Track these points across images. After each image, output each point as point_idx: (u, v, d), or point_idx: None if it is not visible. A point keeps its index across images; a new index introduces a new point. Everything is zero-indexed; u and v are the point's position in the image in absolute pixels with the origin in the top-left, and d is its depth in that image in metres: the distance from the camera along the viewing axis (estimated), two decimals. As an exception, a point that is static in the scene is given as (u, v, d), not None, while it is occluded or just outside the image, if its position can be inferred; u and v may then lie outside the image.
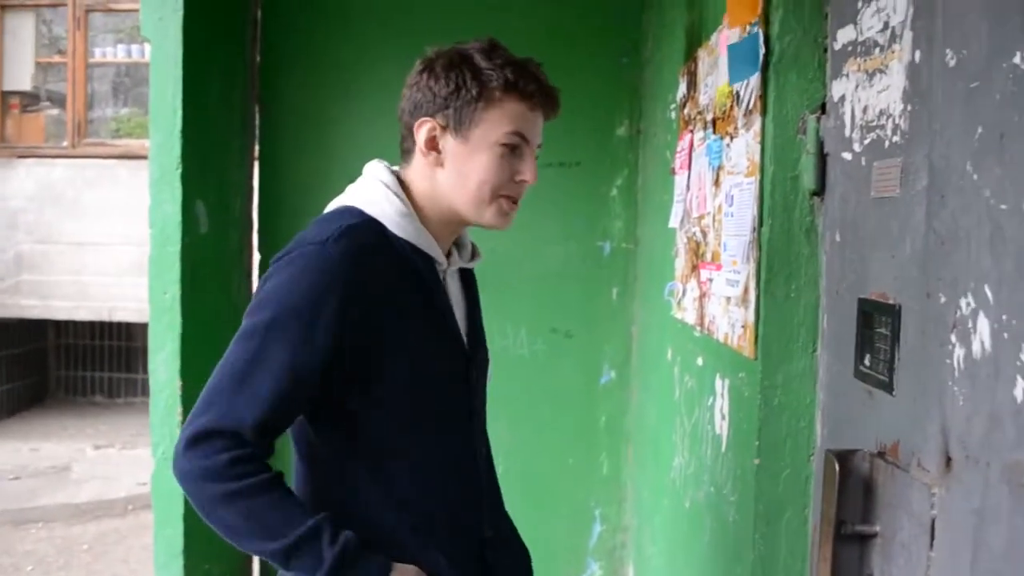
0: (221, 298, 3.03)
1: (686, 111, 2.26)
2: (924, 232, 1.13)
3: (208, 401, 1.24)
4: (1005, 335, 0.93)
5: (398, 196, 1.34)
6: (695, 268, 2.08)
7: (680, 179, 2.24)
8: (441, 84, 1.31)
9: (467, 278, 1.54)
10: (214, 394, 1.24)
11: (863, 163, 1.34)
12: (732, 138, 1.75)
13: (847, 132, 1.40)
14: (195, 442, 1.21)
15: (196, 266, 2.79)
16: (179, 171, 2.70)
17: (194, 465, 1.21)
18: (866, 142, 1.33)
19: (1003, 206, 0.94)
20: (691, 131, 2.16)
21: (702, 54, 2.09)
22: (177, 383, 2.74)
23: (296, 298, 1.24)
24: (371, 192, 1.35)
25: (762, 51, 1.54)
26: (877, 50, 1.30)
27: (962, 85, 1.04)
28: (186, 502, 2.71)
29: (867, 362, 1.30)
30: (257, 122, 3.28)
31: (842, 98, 1.43)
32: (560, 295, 3.25)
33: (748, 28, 1.62)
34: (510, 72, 1.31)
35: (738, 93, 1.70)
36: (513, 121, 1.32)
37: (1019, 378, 0.90)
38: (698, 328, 2.06)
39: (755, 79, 1.59)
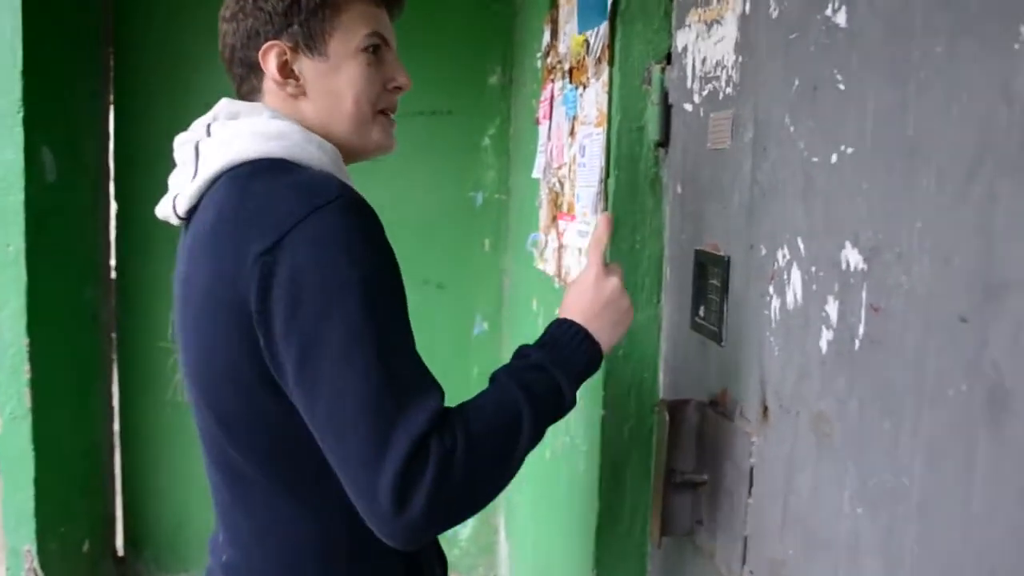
0: (73, 249, 2.88)
1: (548, 60, 2.24)
2: (749, 184, 1.13)
3: (368, 442, 0.91)
4: (814, 287, 0.94)
5: (312, 134, 1.09)
6: (555, 219, 2.07)
7: (543, 129, 2.22)
8: (274, 1, 1.09)
9: None
10: (369, 428, 0.91)
11: (701, 114, 1.34)
12: (585, 88, 1.73)
13: (688, 83, 1.40)
14: (401, 491, 0.90)
15: (42, 217, 2.62)
16: (20, 115, 2.52)
17: (420, 507, 0.91)
18: (704, 93, 1.33)
19: (814, 158, 0.95)
20: (552, 80, 2.13)
21: (562, 2, 2.06)
22: (24, 341, 2.59)
23: (358, 267, 0.94)
24: (285, 136, 1.06)
25: (610, 2, 1.52)
26: (715, 0, 1.29)
27: (782, 36, 1.04)
28: (37, 463, 2.60)
29: (701, 313, 1.31)
30: (112, 63, 3.09)
31: (685, 48, 1.42)
32: (432, 246, 3.20)
33: (597, -25, 1.59)
34: None
35: (589, 42, 1.68)
36: (367, 22, 1.13)
37: (824, 329, 0.92)
38: (557, 279, 2.05)
39: (603, 28, 1.57)
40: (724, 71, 1.24)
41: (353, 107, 1.13)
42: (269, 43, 1.10)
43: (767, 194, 1.08)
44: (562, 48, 2.02)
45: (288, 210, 0.95)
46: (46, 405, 2.64)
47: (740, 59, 1.19)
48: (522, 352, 1.09)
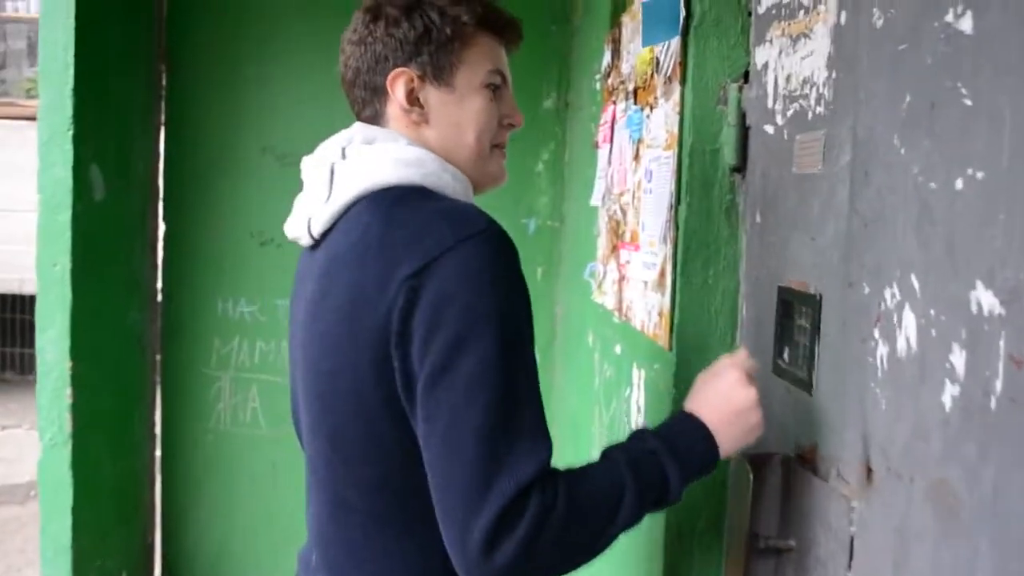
0: (119, 270, 2.82)
1: (610, 81, 2.13)
2: (847, 213, 1.01)
3: (474, 478, 0.91)
4: (933, 332, 0.81)
5: (443, 159, 1.12)
6: (615, 249, 1.96)
7: (602, 153, 2.11)
8: (405, 28, 1.11)
9: None
10: (477, 464, 0.91)
11: (785, 136, 1.21)
12: (652, 109, 1.62)
13: (770, 103, 1.28)
14: (494, 535, 0.90)
15: (89, 236, 2.57)
16: (70, 132, 2.48)
17: (507, 555, 0.90)
18: (789, 114, 1.21)
19: (932, 184, 0.82)
20: (614, 102, 2.02)
21: (626, 19, 1.96)
22: (67, 364, 2.53)
23: (502, 301, 0.94)
24: (421, 164, 1.08)
25: (682, 13, 1.41)
26: (802, 12, 1.17)
27: (890, 48, 0.92)
28: (76, 492, 2.53)
29: (786, 357, 1.18)
30: (164, 81, 3.06)
31: (765, 66, 1.31)
32: (483, 274, 3.10)
33: (668, -12, 1.48)
34: (478, 6, 1.15)
35: (658, 60, 1.56)
36: (491, 59, 1.16)
37: (948, 383, 0.79)
38: (617, 314, 1.93)
39: (675, 44, 1.46)
40: (814, 89, 1.12)
41: (474, 140, 1.15)
42: (399, 70, 1.11)
43: (870, 224, 0.95)
44: (625, 68, 1.91)
45: (438, 238, 0.95)
46: (86, 431, 2.58)
47: (834, 75, 1.06)
48: (640, 435, 1.08)
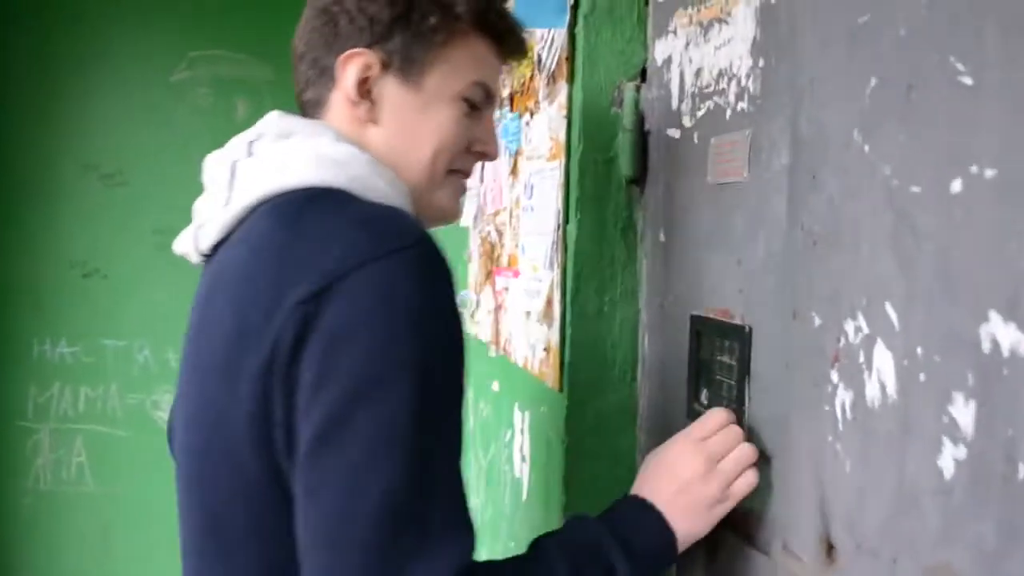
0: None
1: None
2: (785, 228, 0.83)
3: (370, 570, 0.69)
4: (921, 376, 0.63)
5: (379, 163, 0.87)
6: (490, 275, 1.75)
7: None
8: (382, 4, 0.87)
9: None
10: (376, 555, 0.69)
11: (696, 140, 1.04)
12: (532, 114, 1.42)
13: (674, 103, 1.10)
14: None
15: None
16: None
17: None
18: (699, 114, 1.03)
19: (914, 188, 0.65)
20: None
21: (497, 20, 1.76)
22: None
23: (424, 343, 0.72)
24: (347, 163, 0.83)
25: (570, 0, 1.22)
26: (714, -6, 1.00)
27: (843, 22, 0.74)
28: None
29: (704, 399, 1.00)
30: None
31: (667, 61, 1.13)
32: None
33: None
34: (482, 0, 0.92)
35: (540, 57, 1.37)
36: (480, 69, 0.93)
37: (947, 442, 0.61)
38: (493, 347, 1.72)
39: (560, 37, 1.27)
40: (733, 82, 0.95)
41: (429, 158, 0.91)
42: (357, 50, 0.88)
43: (820, 242, 0.77)
44: (498, 73, 1.71)
45: (345, 251, 0.72)
46: None
47: (761, 63, 0.89)
48: (577, 522, 0.86)
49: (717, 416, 0.89)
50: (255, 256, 0.78)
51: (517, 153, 1.52)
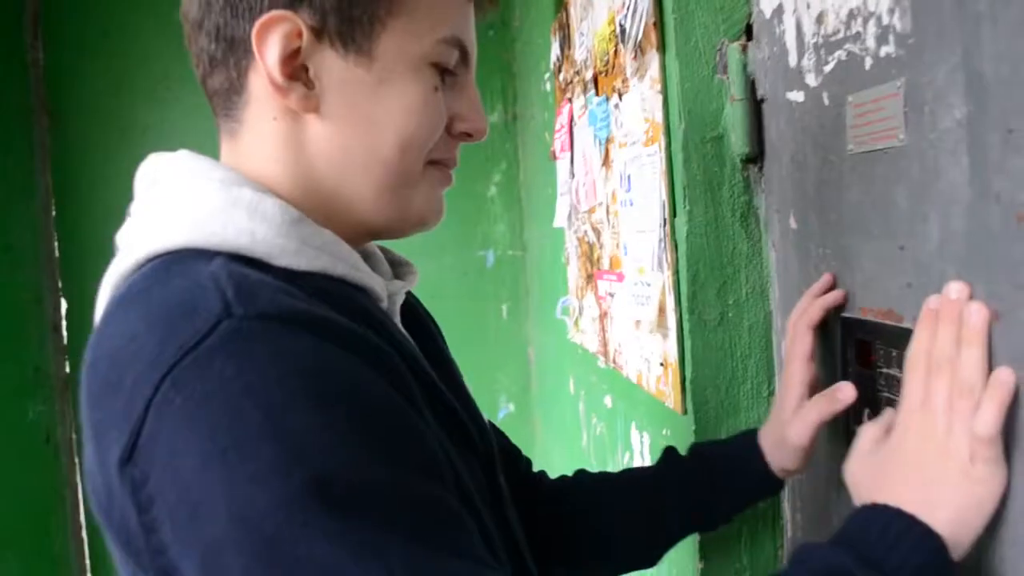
0: (15, 358, 2.41)
1: (562, 76, 1.75)
2: (971, 201, 0.63)
3: None
4: None
5: (258, 192, 0.62)
6: (591, 279, 1.57)
7: (562, 165, 1.73)
8: None
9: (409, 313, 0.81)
10: None
11: (827, 102, 0.84)
12: (621, 95, 1.24)
13: (792, 60, 0.90)
14: None
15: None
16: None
17: None
18: (827, 68, 0.83)
19: None
20: (569, 100, 1.65)
21: (573, -3, 1.58)
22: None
23: (297, 435, 0.49)
24: (205, 204, 0.61)
25: (651, -45, 1.04)
26: (835, -84, 0.80)
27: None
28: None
29: (867, 420, 0.79)
30: (47, 139, 2.64)
31: (778, 10, 0.93)
32: (441, 317, 2.70)
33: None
34: None
35: (622, 27, 1.18)
36: (447, 17, 0.67)
37: None
38: (602, 358, 1.54)
39: (645, 3, 1.08)
40: (871, 23, 0.75)
41: (396, 152, 0.66)
42: (276, 13, 0.62)
43: (1029, 216, 0.57)
44: (579, 54, 1.54)
45: (139, 371, 0.51)
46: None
47: (910, -8, 0.69)
48: (806, 554, 0.63)
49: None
50: (84, 386, 0.56)
51: (608, 141, 1.34)
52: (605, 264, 1.43)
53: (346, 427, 0.50)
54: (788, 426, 0.82)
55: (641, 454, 1.32)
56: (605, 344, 1.49)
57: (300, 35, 0.62)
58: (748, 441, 0.88)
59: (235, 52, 0.64)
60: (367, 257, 0.77)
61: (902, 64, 0.70)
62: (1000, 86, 0.58)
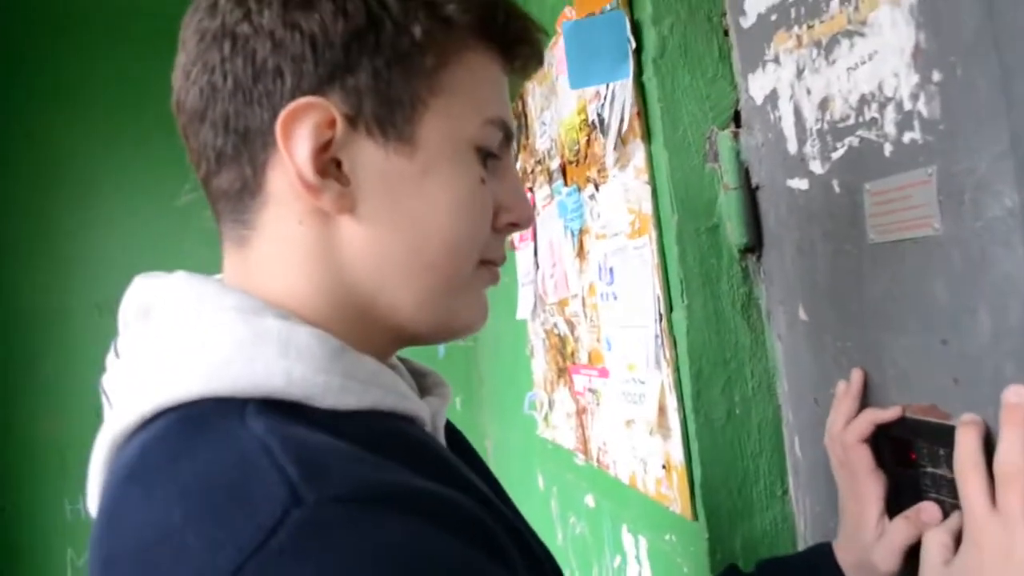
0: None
1: (518, 166, 1.72)
2: (1032, 294, 0.59)
3: None
4: None
5: (285, 320, 0.52)
6: (564, 372, 1.51)
7: (524, 255, 1.68)
8: (326, 16, 0.51)
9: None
10: None
11: (837, 189, 0.80)
12: (598, 186, 1.20)
13: (791, 147, 0.87)
14: None
15: None
16: None
17: None
18: (836, 156, 0.80)
19: None
20: (530, 189, 1.61)
21: (531, 87, 1.56)
22: None
23: None
24: (222, 340, 0.50)
25: (631, 45, 1.01)
26: (834, 2, 0.78)
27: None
28: None
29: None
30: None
31: (772, 96, 0.91)
32: (392, 415, 2.60)
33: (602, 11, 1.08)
34: None
35: (600, 119, 1.15)
36: (490, 96, 0.58)
37: None
38: (580, 455, 1.47)
39: (624, 90, 1.05)
40: (889, 108, 0.72)
41: (444, 253, 0.56)
42: (306, 100, 0.51)
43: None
44: (541, 144, 1.50)
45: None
46: None
47: (937, 77, 0.66)
48: None
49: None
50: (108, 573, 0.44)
51: (582, 232, 1.30)
52: (582, 359, 1.38)
53: None
54: (873, 550, 0.75)
55: (638, 559, 1.25)
56: (585, 441, 1.43)
57: (333, 124, 0.52)
58: (825, 559, 0.80)
59: (250, 146, 0.53)
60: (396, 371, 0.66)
61: (931, 151, 0.68)
62: (1064, 174, 0.55)
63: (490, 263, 0.61)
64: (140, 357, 0.52)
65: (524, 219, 0.62)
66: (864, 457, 0.77)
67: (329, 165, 0.53)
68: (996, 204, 0.61)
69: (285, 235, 0.54)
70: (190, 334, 0.50)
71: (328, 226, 0.54)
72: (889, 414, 0.75)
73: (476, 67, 0.57)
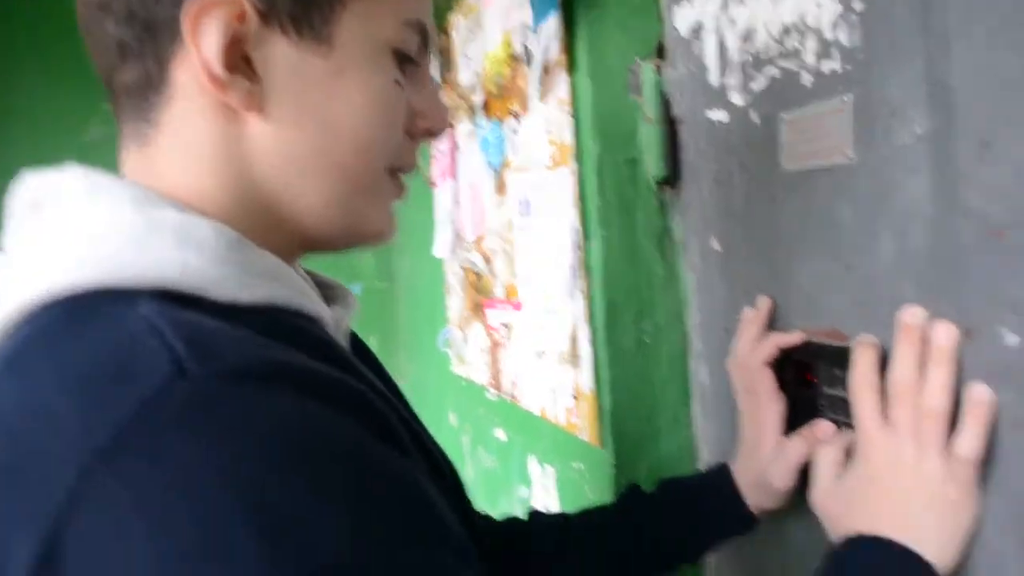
0: None
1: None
2: (935, 217, 0.61)
3: None
4: None
5: (184, 212, 0.50)
6: (479, 307, 1.52)
7: (443, 192, 1.67)
8: None
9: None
10: None
11: (756, 120, 0.82)
12: (518, 118, 1.20)
13: (713, 79, 0.89)
14: None
15: None
16: None
17: None
18: (755, 87, 0.82)
19: None
20: (451, 125, 1.59)
21: (456, 20, 1.54)
22: None
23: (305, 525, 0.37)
24: (115, 231, 0.47)
25: (560, -28, 1.01)
26: (762, -67, 0.79)
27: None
28: None
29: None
30: None
31: (696, 29, 0.91)
32: (303, 355, 2.57)
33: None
34: None
35: (526, 50, 1.15)
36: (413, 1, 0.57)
37: None
38: (492, 389, 1.49)
39: (550, 26, 1.05)
40: (810, 39, 0.74)
41: (354, 154, 0.55)
42: None
43: (1012, 229, 0.56)
44: (465, 78, 1.49)
45: (56, 456, 0.38)
46: None
47: (859, 6, 0.68)
48: None
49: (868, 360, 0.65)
50: None
51: (502, 166, 1.29)
52: (498, 293, 1.38)
53: (358, 506, 0.39)
54: (769, 468, 0.78)
55: (545, 487, 1.27)
56: (497, 375, 1.44)
57: (244, 19, 0.50)
58: (723, 479, 0.83)
59: (156, 39, 0.51)
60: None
61: (848, 79, 0.69)
62: (970, 100, 0.57)
63: (399, 171, 0.60)
64: (26, 250, 0.49)
65: (439, 125, 0.61)
66: (766, 380, 0.80)
67: (239, 61, 0.51)
68: (906, 131, 0.63)
69: (190, 132, 0.53)
70: (80, 225, 0.48)
71: (235, 123, 0.53)
72: (793, 338, 0.78)
73: None
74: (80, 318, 0.44)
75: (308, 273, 0.67)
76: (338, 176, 0.55)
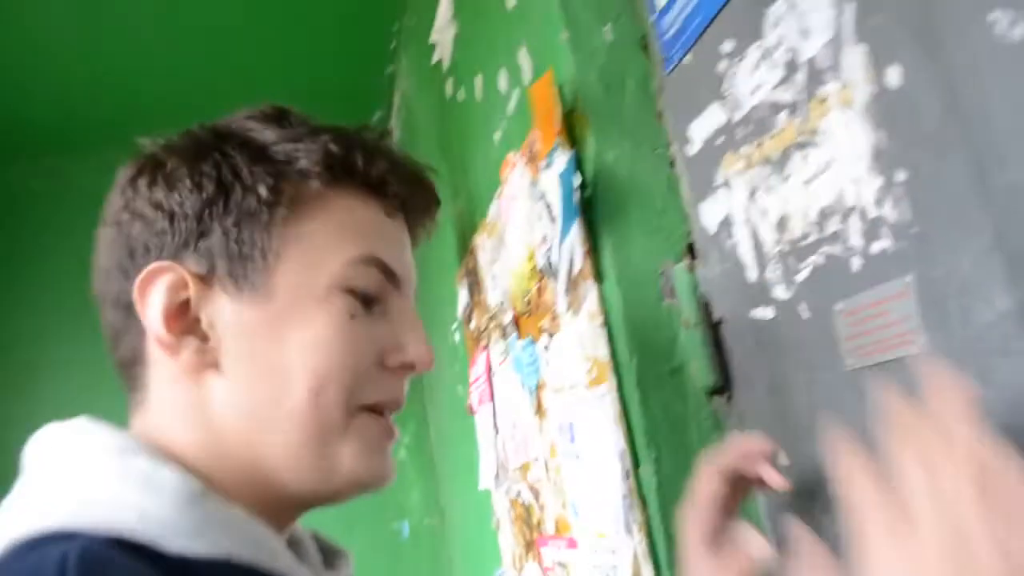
0: None
1: (472, 325, 1.64)
2: (1045, 410, 0.50)
3: None
4: None
5: (154, 460, 0.51)
6: (531, 546, 1.38)
7: (483, 418, 1.58)
8: (184, 191, 0.56)
9: None
10: None
11: (807, 314, 0.73)
12: (551, 335, 1.12)
13: (751, 274, 0.80)
14: None
15: None
16: None
17: None
18: (800, 278, 0.73)
19: None
20: (485, 347, 1.52)
21: (480, 240, 1.51)
22: None
23: None
24: (94, 478, 0.50)
25: (576, 180, 0.95)
26: (783, 115, 0.73)
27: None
28: None
29: None
30: None
31: (725, 222, 0.84)
32: (355, 606, 2.41)
33: (548, 156, 1.04)
34: (334, 143, 0.58)
35: (548, 263, 1.08)
36: (361, 236, 0.59)
37: None
38: (556, 639, 1.32)
39: (572, 235, 0.99)
40: (853, 218, 0.65)
41: (305, 397, 0.55)
42: (154, 265, 0.55)
43: None
44: (492, 298, 1.43)
45: None
46: None
47: (902, 176, 0.60)
48: None
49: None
50: None
51: (539, 387, 1.20)
52: (549, 528, 1.25)
53: None
54: None
55: None
56: (558, 622, 1.28)
57: (184, 285, 0.55)
58: None
59: (132, 318, 0.56)
60: (295, 544, 0.63)
61: (905, 258, 0.60)
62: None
63: (374, 409, 0.58)
64: (20, 498, 0.51)
65: (415, 357, 0.60)
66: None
67: (192, 325, 0.56)
68: (987, 308, 0.53)
69: (166, 395, 0.57)
70: (65, 473, 0.51)
71: (199, 383, 0.56)
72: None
73: (339, 211, 0.58)
74: (19, 554, 0.46)
75: (314, 536, 0.66)
76: (296, 422, 0.55)
